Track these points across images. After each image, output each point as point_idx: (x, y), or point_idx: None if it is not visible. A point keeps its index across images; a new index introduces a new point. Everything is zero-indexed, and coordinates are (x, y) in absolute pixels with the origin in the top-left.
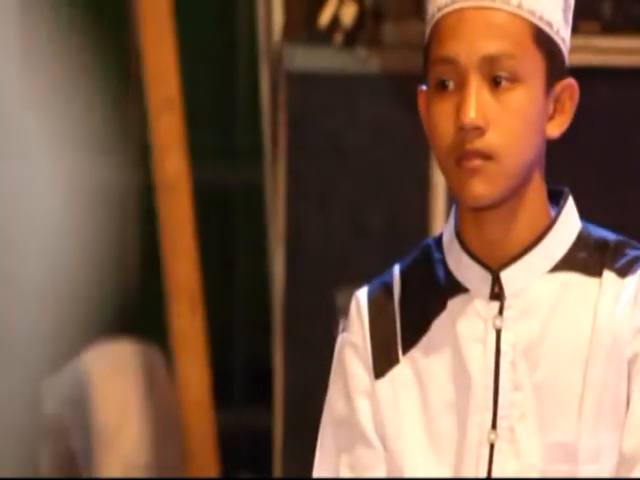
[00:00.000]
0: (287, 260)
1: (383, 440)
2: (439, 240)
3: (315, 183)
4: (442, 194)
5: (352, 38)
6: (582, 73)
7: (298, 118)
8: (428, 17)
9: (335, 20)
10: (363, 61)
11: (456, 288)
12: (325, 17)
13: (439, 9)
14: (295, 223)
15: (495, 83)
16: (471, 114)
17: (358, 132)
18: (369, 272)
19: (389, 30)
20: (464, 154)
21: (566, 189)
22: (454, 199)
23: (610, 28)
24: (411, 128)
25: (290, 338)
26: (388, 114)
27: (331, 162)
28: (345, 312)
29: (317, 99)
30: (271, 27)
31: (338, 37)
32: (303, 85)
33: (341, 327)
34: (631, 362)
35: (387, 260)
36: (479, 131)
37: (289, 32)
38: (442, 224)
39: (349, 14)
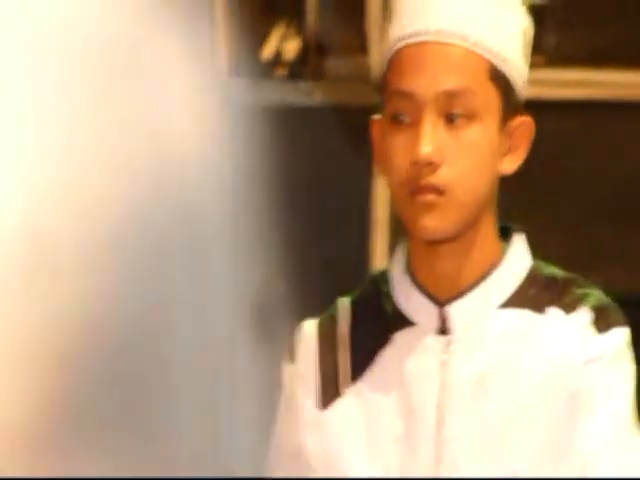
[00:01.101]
0: None
1: (330, 471)
2: (387, 273)
3: (257, 214)
4: (384, 229)
5: (296, 72)
6: (528, 106)
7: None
8: (386, 48)
9: (278, 54)
10: (306, 94)
11: (404, 321)
12: (268, 51)
13: (398, 40)
14: None
15: (451, 119)
16: (426, 149)
17: (302, 165)
18: (312, 306)
19: (332, 64)
20: (418, 188)
21: (517, 225)
22: (402, 232)
23: (554, 61)
24: (353, 161)
25: None
26: (331, 146)
27: (274, 193)
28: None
29: (260, 131)
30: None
31: (281, 70)
32: (245, 117)
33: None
34: (574, 397)
35: (328, 295)
36: (433, 166)
37: (233, 65)
38: (383, 259)
39: (292, 48)
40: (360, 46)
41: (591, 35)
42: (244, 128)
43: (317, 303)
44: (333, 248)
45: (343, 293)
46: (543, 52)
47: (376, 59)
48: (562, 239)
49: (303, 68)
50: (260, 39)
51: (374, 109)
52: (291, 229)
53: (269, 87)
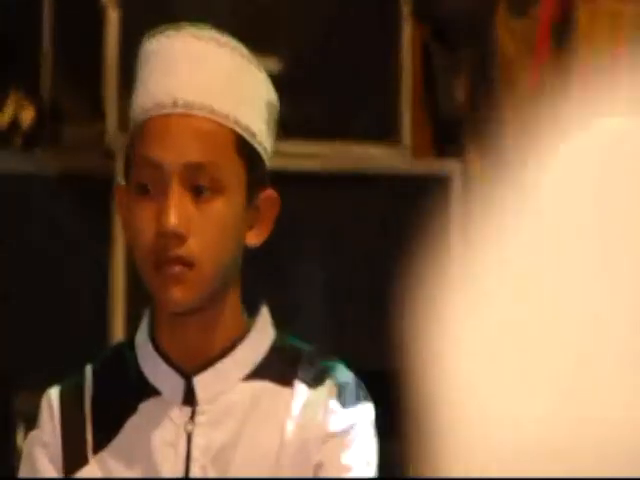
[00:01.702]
0: None
1: None
2: (132, 341)
3: None
4: (121, 299)
5: (32, 140)
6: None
7: None
8: (132, 114)
9: (15, 122)
10: (40, 162)
11: (149, 391)
12: (4, 119)
13: (143, 111)
14: None
15: (197, 191)
16: (172, 221)
17: (38, 233)
18: (50, 377)
19: (68, 132)
20: (164, 260)
21: (262, 299)
22: (142, 301)
23: (289, 133)
24: (90, 229)
25: None
26: (67, 215)
27: (9, 265)
28: (24, 415)
29: None
30: None
31: (17, 140)
32: None
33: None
34: (315, 471)
35: (67, 365)
36: (180, 238)
37: None
38: (121, 329)
39: (27, 117)
40: (96, 114)
41: (321, 108)
42: None
43: (54, 372)
44: (70, 316)
45: (81, 362)
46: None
47: (112, 127)
48: (307, 313)
49: (38, 136)
50: None
51: (110, 177)
52: (28, 298)
53: (4, 156)
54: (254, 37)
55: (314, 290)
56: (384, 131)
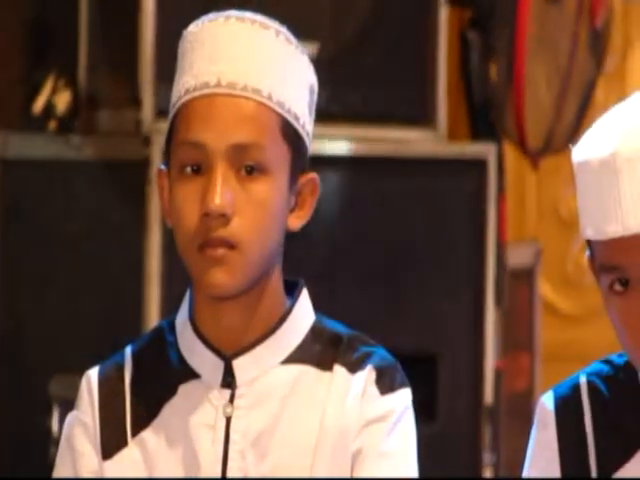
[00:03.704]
0: (3, 349)
1: None
2: (172, 323)
3: (31, 272)
4: (156, 283)
5: (67, 125)
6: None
7: (13, 206)
8: (174, 99)
9: (50, 107)
10: (76, 148)
11: (188, 373)
12: (39, 104)
13: (187, 92)
14: (10, 312)
15: (242, 172)
16: (217, 200)
17: (74, 219)
18: (85, 361)
19: (103, 118)
20: (208, 241)
21: (301, 281)
22: (179, 284)
23: (327, 117)
24: (126, 215)
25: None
26: (103, 200)
27: (47, 250)
28: (59, 399)
29: (32, 186)
30: None
31: (53, 124)
32: (18, 172)
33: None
34: (355, 456)
35: (102, 349)
36: (224, 219)
37: (3, 119)
38: (156, 313)
39: (63, 101)
40: (132, 100)
41: (359, 92)
42: (16, 182)
43: (93, 354)
44: (108, 303)
45: (116, 345)
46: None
47: (149, 113)
48: (342, 296)
49: (74, 122)
50: (31, 93)
51: (146, 163)
52: (67, 284)
53: (40, 141)
54: (294, 22)
55: (349, 274)
56: (420, 115)
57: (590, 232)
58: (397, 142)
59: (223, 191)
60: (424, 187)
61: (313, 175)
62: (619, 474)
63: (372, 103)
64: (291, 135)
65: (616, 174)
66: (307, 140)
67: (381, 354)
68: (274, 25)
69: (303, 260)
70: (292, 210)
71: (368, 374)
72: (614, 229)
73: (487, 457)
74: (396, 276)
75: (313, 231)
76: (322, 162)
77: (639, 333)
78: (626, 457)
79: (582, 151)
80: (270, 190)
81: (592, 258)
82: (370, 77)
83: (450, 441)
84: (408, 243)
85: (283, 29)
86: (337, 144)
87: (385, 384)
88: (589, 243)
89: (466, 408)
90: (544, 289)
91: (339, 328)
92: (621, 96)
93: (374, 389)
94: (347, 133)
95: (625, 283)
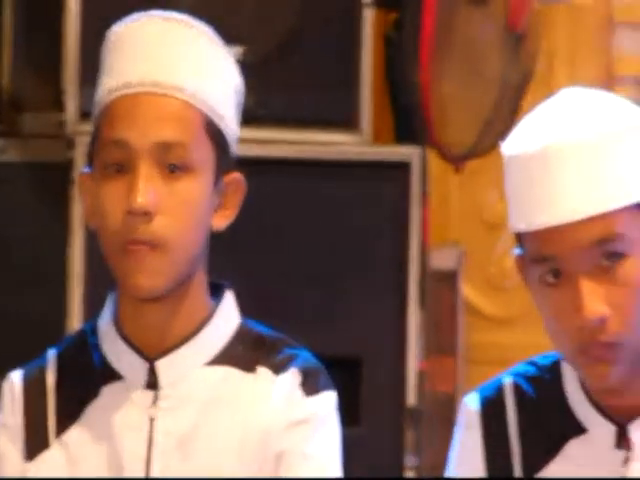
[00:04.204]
0: None
1: None
2: (95, 325)
3: None
4: (79, 285)
5: None
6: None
7: None
8: (97, 99)
9: None
10: (0, 150)
11: (112, 375)
12: None
13: (110, 92)
14: None
15: (166, 171)
16: (140, 199)
17: None
18: (6, 363)
19: (27, 120)
20: (131, 241)
21: (226, 283)
22: (102, 286)
23: (251, 120)
24: (49, 217)
25: None
26: (26, 203)
27: None
28: None
29: None
30: None
31: None
32: None
33: None
34: (278, 458)
35: (24, 351)
36: (147, 217)
37: None
38: (79, 315)
39: None
40: (56, 102)
41: (284, 96)
42: None
43: (15, 356)
44: (30, 302)
45: (40, 347)
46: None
47: (72, 115)
48: (267, 300)
49: None
50: None
51: (69, 166)
52: None
53: None
54: (219, 25)
55: (272, 277)
56: (345, 118)
57: (522, 225)
58: (321, 145)
59: (146, 189)
60: (347, 190)
61: (238, 175)
62: (543, 474)
63: (297, 106)
64: (215, 134)
65: (546, 166)
66: (232, 140)
67: (305, 356)
68: (199, 25)
69: (227, 263)
70: (216, 210)
71: (292, 376)
72: (545, 219)
73: (410, 460)
74: (319, 279)
75: (237, 234)
76: (247, 165)
77: (571, 324)
78: (550, 457)
79: (512, 146)
80: (194, 189)
81: (521, 255)
82: (295, 80)
83: (373, 444)
84: (331, 246)
85: (208, 29)
86: (261, 147)
87: (309, 386)
88: (519, 238)
89: (389, 411)
90: (467, 292)
91: (264, 330)
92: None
93: (298, 391)
94: (271, 136)
95: (557, 274)
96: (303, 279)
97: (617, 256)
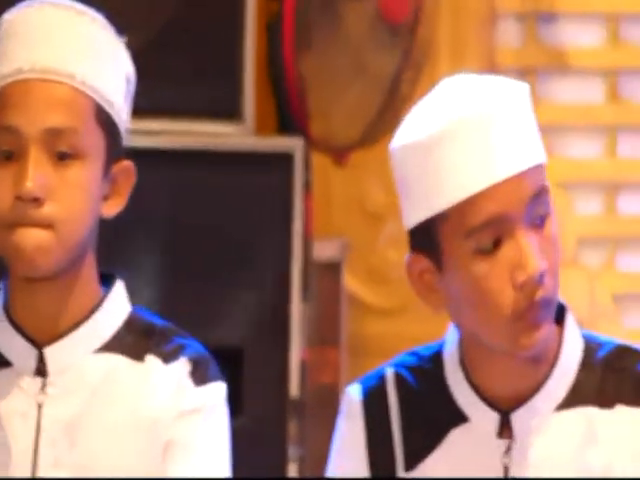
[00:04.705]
0: None
1: None
2: None
3: None
4: None
5: None
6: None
7: None
8: None
9: None
10: None
11: (1, 362)
12: None
13: (2, 78)
14: None
15: (56, 157)
16: (29, 184)
17: None
18: None
19: None
20: (20, 221)
21: (117, 273)
22: (3, 273)
23: (133, 110)
24: None
25: None
26: None
27: None
28: None
29: None
30: None
31: None
32: None
33: None
34: (166, 447)
35: None
36: (37, 203)
37: None
38: None
39: None
40: None
41: (168, 86)
42: None
43: None
44: None
45: None
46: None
47: None
48: (149, 289)
49: None
50: None
51: None
52: None
53: None
54: (104, 13)
55: (155, 267)
56: (227, 108)
57: (457, 194)
58: (205, 136)
59: (35, 175)
60: (231, 181)
61: (128, 163)
62: (425, 464)
63: (179, 97)
64: (106, 121)
65: (481, 131)
66: (122, 128)
67: (195, 347)
68: (90, 12)
69: (111, 253)
70: (106, 197)
71: (182, 365)
72: (490, 178)
73: (293, 451)
74: (202, 269)
75: (122, 224)
76: (131, 155)
77: (508, 290)
78: (432, 446)
79: (425, 128)
80: (84, 175)
81: (427, 247)
82: (179, 71)
83: (256, 435)
84: (215, 236)
85: (99, 17)
86: (145, 138)
87: (199, 376)
88: (428, 227)
89: (272, 402)
90: (351, 283)
91: (154, 320)
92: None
93: (188, 380)
94: (154, 127)
95: (496, 241)
96: (187, 269)
97: (545, 215)
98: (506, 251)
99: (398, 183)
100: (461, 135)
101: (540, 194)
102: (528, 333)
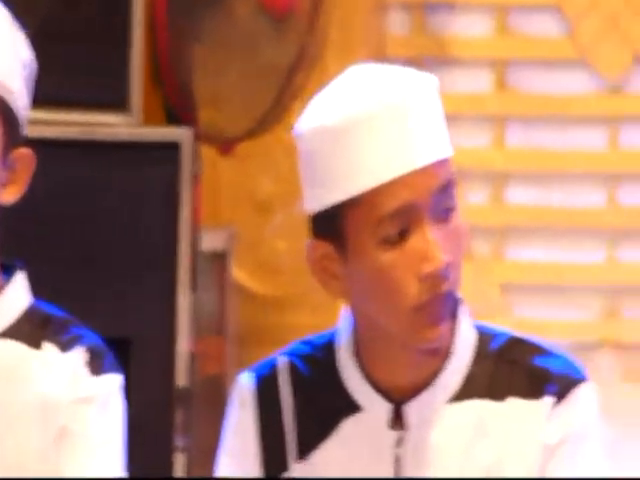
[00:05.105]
0: None
1: None
2: None
3: None
4: None
5: None
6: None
7: None
8: None
9: None
10: None
11: None
12: None
13: None
14: None
15: None
16: None
17: None
18: None
19: None
20: None
21: (19, 263)
22: None
23: None
24: None
25: None
26: None
27: None
28: None
29: None
30: None
31: None
32: None
33: None
34: (61, 434)
35: None
36: None
37: None
38: None
39: None
40: None
41: (54, 76)
42: None
43: None
44: None
45: None
46: None
47: None
48: (37, 280)
49: None
50: None
51: None
52: None
53: None
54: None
55: (44, 258)
56: (114, 98)
57: (366, 182)
58: (91, 126)
59: None
60: (118, 171)
61: (27, 151)
62: (317, 454)
63: (67, 87)
64: (4, 108)
65: (393, 119)
66: (22, 115)
67: (92, 338)
68: None
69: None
70: (5, 185)
71: (79, 354)
72: (401, 167)
73: (180, 441)
74: (90, 260)
75: (7, 214)
76: None
77: (412, 282)
78: (324, 436)
79: (328, 116)
80: None
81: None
82: (65, 60)
83: (143, 424)
84: (103, 227)
85: None
86: (32, 128)
87: (95, 366)
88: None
89: (159, 392)
90: (239, 274)
91: (54, 311)
92: (323, 81)
93: (84, 369)
94: (42, 117)
95: (403, 232)
96: (74, 260)
97: (451, 208)
98: (413, 242)
99: (302, 167)
100: (375, 122)
101: (447, 187)
102: (430, 326)
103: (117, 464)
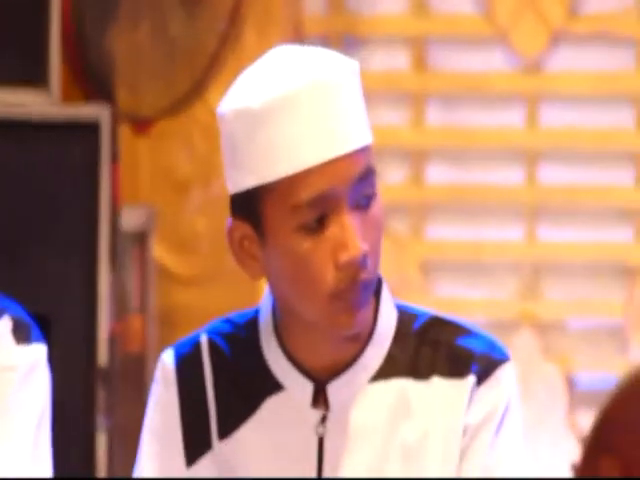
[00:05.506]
0: None
1: None
2: None
3: None
4: None
5: None
6: None
7: None
8: None
9: None
10: None
11: None
12: None
13: None
14: None
15: None
16: None
17: None
18: None
19: None
20: None
21: None
22: None
23: None
24: None
25: None
26: None
27: None
28: None
29: None
30: None
31: None
32: None
33: None
34: None
35: None
36: None
37: None
38: None
39: None
40: None
41: None
42: None
43: None
44: None
45: None
46: None
47: None
48: None
49: None
50: None
51: None
52: None
53: None
54: None
55: None
56: (31, 75)
57: (283, 168)
58: (8, 105)
59: None
60: (36, 150)
61: None
62: (239, 433)
63: None
64: None
65: (312, 104)
66: None
67: (18, 310)
68: None
69: None
70: None
71: (4, 323)
72: (321, 154)
73: (102, 421)
74: (10, 240)
75: None
76: None
77: (329, 269)
78: (246, 415)
79: (247, 100)
80: None
81: (245, 216)
82: None
83: (65, 405)
84: (22, 207)
85: None
86: None
87: (21, 335)
88: (252, 198)
89: (80, 372)
90: (159, 253)
91: None
92: (241, 60)
93: (9, 337)
94: None
95: (320, 219)
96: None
97: (371, 196)
98: (331, 230)
99: (224, 147)
100: (296, 107)
101: (367, 174)
102: (347, 313)
103: (34, 432)
